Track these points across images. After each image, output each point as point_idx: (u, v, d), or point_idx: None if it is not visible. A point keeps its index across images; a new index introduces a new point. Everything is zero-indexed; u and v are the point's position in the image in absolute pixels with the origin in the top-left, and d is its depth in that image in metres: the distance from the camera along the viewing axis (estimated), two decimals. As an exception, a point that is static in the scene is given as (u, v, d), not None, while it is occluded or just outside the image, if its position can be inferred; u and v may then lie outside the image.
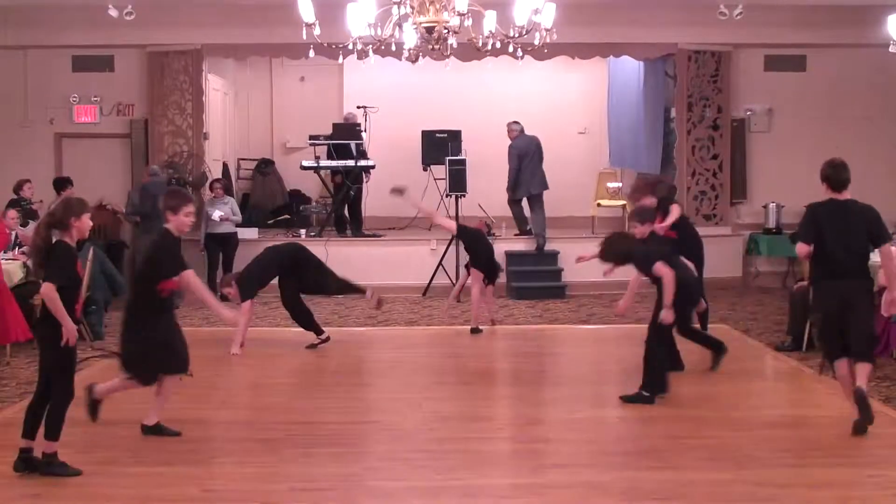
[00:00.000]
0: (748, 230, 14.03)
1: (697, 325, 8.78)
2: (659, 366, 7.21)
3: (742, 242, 13.93)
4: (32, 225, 9.96)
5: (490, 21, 8.74)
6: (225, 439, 6.49)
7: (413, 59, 9.91)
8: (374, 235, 13.88)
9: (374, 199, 14.53)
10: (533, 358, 9.38)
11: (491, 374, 8.73)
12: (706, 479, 5.55)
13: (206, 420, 6.85)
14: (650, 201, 8.52)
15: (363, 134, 14.34)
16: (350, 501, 5.35)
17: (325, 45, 8.76)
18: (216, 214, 12.61)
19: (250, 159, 16.27)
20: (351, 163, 13.80)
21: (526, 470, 5.85)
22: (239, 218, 12.99)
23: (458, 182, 13.57)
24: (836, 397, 6.99)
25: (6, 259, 9.51)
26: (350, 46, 8.95)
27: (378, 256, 13.20)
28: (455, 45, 8.70)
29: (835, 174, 6.40)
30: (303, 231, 13.92)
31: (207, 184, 13.39)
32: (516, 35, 8.63)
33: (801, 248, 6.51)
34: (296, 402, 7.57)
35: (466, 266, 10.46)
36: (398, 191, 9.88)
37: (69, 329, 5.46)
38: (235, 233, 12.78)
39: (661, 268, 7.12)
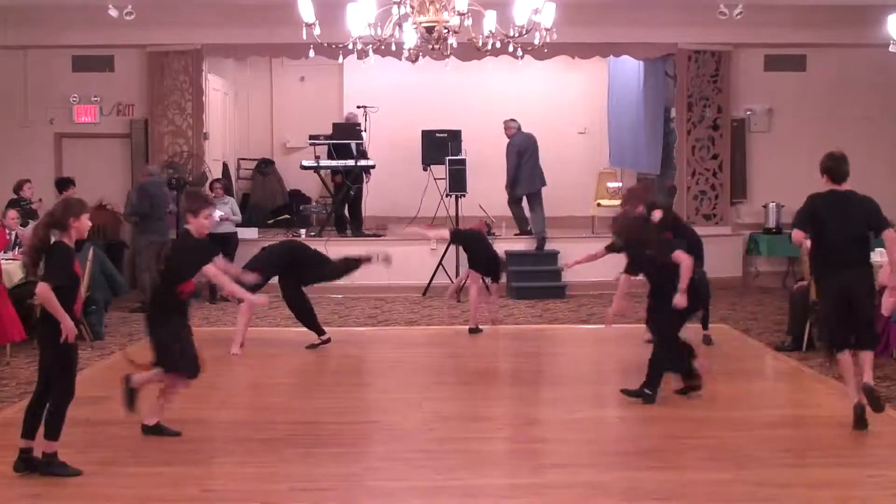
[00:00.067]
0: (748, 230, 14.03)
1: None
2: (660, 364, 7.22)
3: (742, 242, 13.93)
4: (32, 225, 9.96)
5: (490, 21, 8.74)
6: (225, 439, 6.48)
7: (413, 59, 9.91)
8: (374, 235, 13.88)
9: (374, 199, 14.56)
10: (533, 358, 9.39)
11: (491, 374, 8.73)
12: (706, 479, 5.55)
13: (206, 420, 6.85)
14: (640, 210, 8.49)
15: (363, 134, 14.34)
16: (350, 501, 5.35)
17: (325, 45, 8.76)
18: (216, 214, 12.57)
19: (250, 159, 16.27)
20: (351, 163, 13.80)
21: (526, 470, 5.86)
22: (239, 218, 12.99)
23: (458, 182, 13.59)
24: (836, 397, 7.00)
25: (6, 259, 9.50)
26: (350, 46, 8.95)
27: (378, 256, 13.17)
28: (455, 45, 8.69)
29: (836, 166, 6.53)
30: (303, 231, 13.91)
31: (207, 184, 13.38)
32: (516, 35, 8.63)
33: (797, 235, 6.66)
34: (296, 402, 7.57)
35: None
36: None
37: (68, 326, 5.46)
38: (235, 233, 12.77)
39: (680, 254, 7.14)
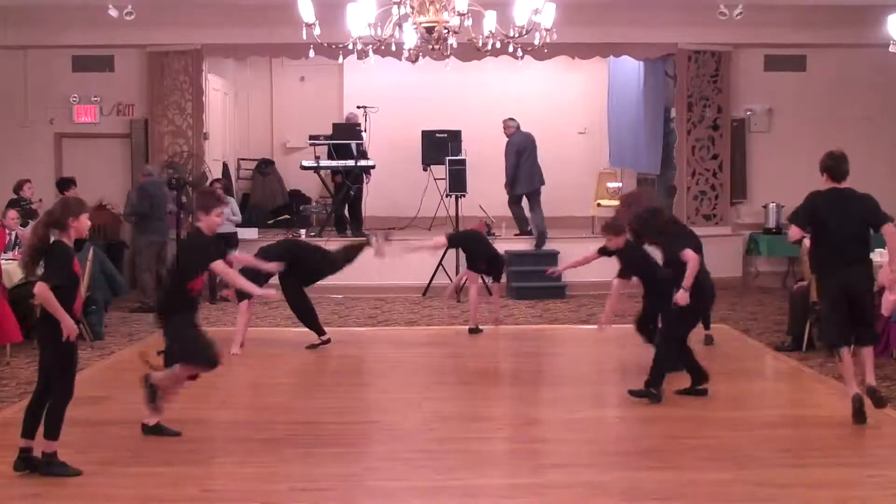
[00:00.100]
0: (748, 230, 14.03)
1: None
2: (662, 364, 7.23)
3: (742, 242, 13.93)
4: (32, 225, 9.95)
5: (490, 21, 8.73)
6: (225, 439, 6.48)
7: (413, 59, 9.91)
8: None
9: (374, 200, 14.56)
10: (533, 358, 9.39)
11: (491, 374, 8.73)
12: (706, 479, 5.55)
13: (206, 420, 6.85)
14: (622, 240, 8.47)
15: (363, 134, 14.34)
16: (350, 501, 5.35)
17: (325, 45, 8.75)
18: (216, 214, 12.58)
19: (250, 159, 16.27)
20: (351, 163, 13.79)
21: (526, 470, 5.85)
22: (239, 218, 12.99)
23: (458, 182, 13.60)
24: (836, 397, 6.99)
25: (6, 259, 9.50)
26: (350, 46, 8.95)
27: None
28: (455, 45, 8.69)
29: (835, 165, 6.62)
30: (303, 231, 13.92)
31: (207, 184, 13.37)
32: (516, 35, 8.63)
33: (795, 232, 6.77)
34: (296, 402, 7.57)
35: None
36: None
37: (68, 325, 5.46)
38: (235, 233, 12.76)
39: (689, 253, 7.15)
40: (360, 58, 9.21)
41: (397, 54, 9.97)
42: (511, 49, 9.32)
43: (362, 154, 14.12)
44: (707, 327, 9.27)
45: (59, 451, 5.59)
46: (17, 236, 10.36)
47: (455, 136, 14.35)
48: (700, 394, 7.34)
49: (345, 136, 14.07)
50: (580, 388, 7.94)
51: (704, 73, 13.81)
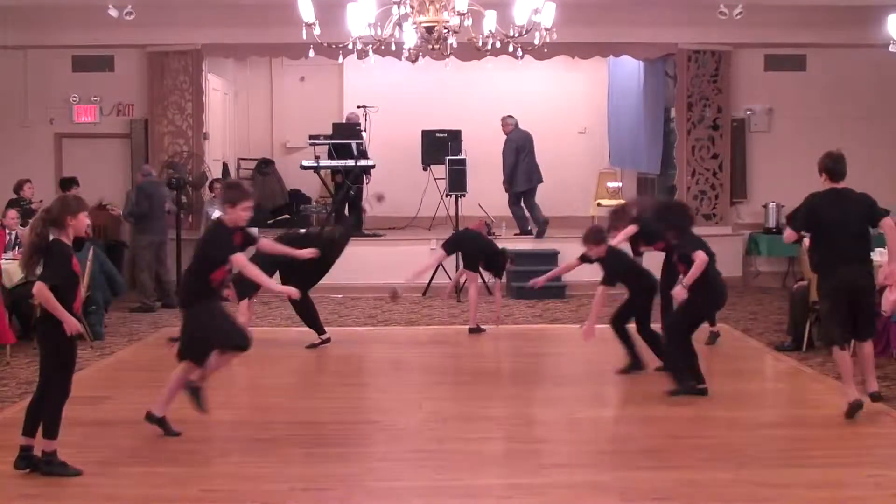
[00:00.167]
0: (748, 230, 14.03)
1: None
2: (675, 360, 7.32)
3: (742, 242, 13.93)
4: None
5: (490, 21, 8.73)
6: (225, 439, 6.48)
7: (413, 59, 9.91)
8: (374, 235, 13.88)
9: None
10: (533, 358, 9.39)
11: (491, 374, 8.73)
12: (706, 479, 5.55)
13: (206, 420, 6.82)
14: (632, 228, 8.48)
15: (363, 134, 14.34)
16: (350, 501, 5.35)
17: (325, 45, 8.76)
18: (216, 214, 12.53)
19: (250, 159, 16.25)
20: (351, 163, 13.79)
21: (526, 470, 5.85)
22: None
23: (458, 182, 13.61)
24: (835, 397, 6.99)
25: (6, 259, 9.50)
26: (350, 46, 8.95)
27: (378, 256, 13.18)
28: (455, 45, 8.69)
29: (834, 165, 6.70)
30: (303, 231, 13.89)
31: (207, 184, 13.38)
32: (516, 35, 8.63)
33: (789, 234, 6.97)
34: (296, 402, 7.57)
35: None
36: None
37: (70, 323, 5.47)
38: (235, 233, 12.75)
39: (700, 254, 7.21)
40: (360, 58, 9.21)
41: (397, 54, 9.98)
42: (511, 49, 9.33)
43: (362, 154, 14.12)
44: (713, 324, 9.25)
45: (59, 451, 5.59)
46: (17, 236, 10.36)
47: (455, 136, 14.36)
48: (700, 393, 7.34)
49: (345, 136, 14.07)
50: (580, 388, 7.95)
51: (704, 73, 13.81)
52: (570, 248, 12.59)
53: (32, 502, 5.25)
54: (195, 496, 5.35)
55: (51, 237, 5.57)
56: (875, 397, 6.81)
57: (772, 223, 13.62)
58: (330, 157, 14.03)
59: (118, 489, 5.41)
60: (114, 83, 13.82)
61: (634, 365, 8.16)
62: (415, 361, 9.12)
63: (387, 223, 14.74)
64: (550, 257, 13.13)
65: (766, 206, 13.71)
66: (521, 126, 13.93)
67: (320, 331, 9.43)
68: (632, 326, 8.27)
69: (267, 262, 9.30)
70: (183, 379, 6.39)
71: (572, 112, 16.01)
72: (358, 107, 14.61)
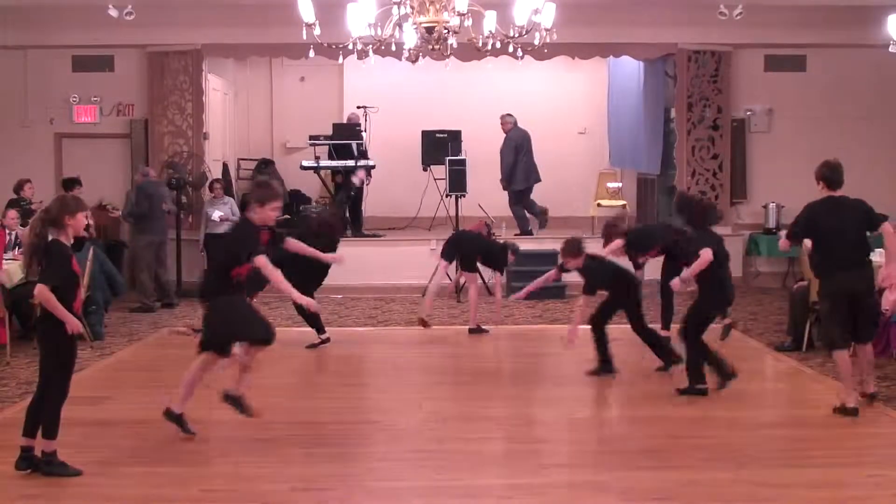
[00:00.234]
0: (748, 230, 14.03)
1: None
2: (693, 357, 7.36)
3: (742, 242, 13.92)
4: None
5: (490, 21, 8.73)
6: (225, 439, 6.47)
7: (413, 59, 9.91)
8: (374, 235, 13.88)
9: (374, 200, 14.57)
10: (533, 358, 9.39)
11: (491, 374, 8.72)
12: (706, 479, 5.55)
13: (206, 420, 6.83)
14: (617, 244, 8.51)
15: (363, 134, 14.34)
16: (350, 501, 5.36)
17: (325, 45, 8.75)
18: (216, 214, 12.61)
19: (250, 159, 16.25)
20: (351, 163, 13.79)
21: (526, 470, 5.85)
22: (238, 218, 12.96)
23: (458, 182, 13.62)
24: (835, 397, 6.99)
25: (6, 259, 9.50)
26: (350, 46, 8.95)
27: (378, 256, 13.19)
28: (455, 45, 8.69)
29: (832, 174, 6.81)
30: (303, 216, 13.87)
31: (207, 184, 13.38)
32: (516, 35, 8.63)
33: (784, 244, 7.17)
34: (296, 402, 7.57)
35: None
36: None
37: (72, 323, 5.48)
38: (235, 233, 12.74)
39: (707, 252, 7.26)
40: (360, 58, 9.21)
41: (397, 54, 9.98)
42: (511, 49, 9.33)
43: (362, 154, 14.12)
44: (725, 316, 9.21)
45: (59, 451, 5.59)
46: (17, 236, 10.36)
47: (455, 136, 14.37)
48: (700, 393, 7.34)
49: (345, 136, 14.07)
50: (580, 388, 7.95)
51: (704, 73, 13.81)
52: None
53: (33, 502, 5.25)
54: (195, 496, 5.35)
55: (50, 237, 5.57)
56: (872, 398, 6.96)
57: (772, 223, 13.62)
58: (330, 157, 14.03)
59: (118, 489, 5.41)
60: (114, 83, 13.83)
61: (605, 368, 8.17)
62: (415, 361, 9.12)
63: (387, 223, 14.76)
64: (551, 257, 13.06)
65: (766, 207, 13.71)
66: (522, 126, 13.95)
67: (320, 330, 9.43)
68: (631, 328, 8.27)
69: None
70: (201, 372, 6.36)
71: (572, 112, 16.02)
72: (358, 107, 14.62)
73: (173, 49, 13.54)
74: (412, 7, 8.27)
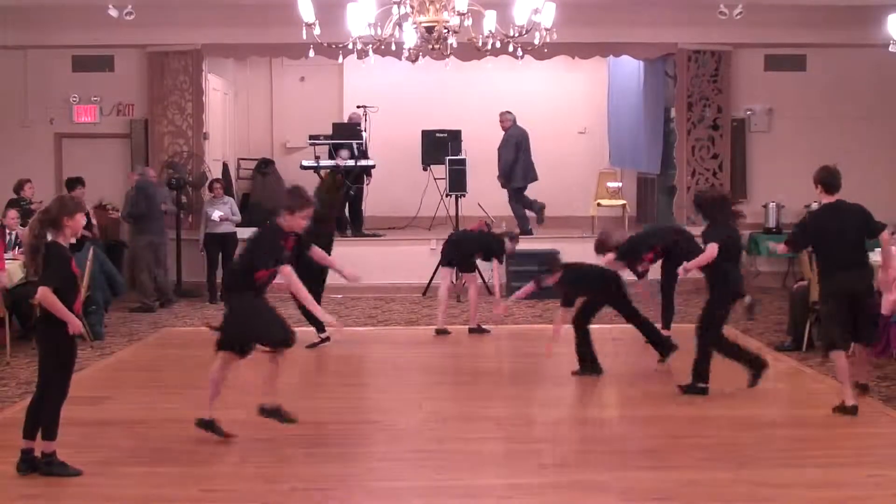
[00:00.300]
0: (748, 230, 13.99)
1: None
2: (701, 357, 7.38)
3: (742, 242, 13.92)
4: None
5: (490, 21, 8.73)
6: (225, 439, 6.47)
7: (413, 59, 9.91)
8: (374, 235, 13.88)
9: (374, 199, 14.56)
10: (533, 358, 9.37)
11: (491, 374, 8.73)
12: (706, 479, 5.55)
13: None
14: (609, 257, 8.55)
15: (363, 134, 14.34)
16: (350, 501, 5.36)
17: (325, 45, 8.75)
18: (216, 214, 12.60)
19: (250, 159, 16.26)
20: (351, 163, 13.79)
21: (526, 470, 5.85)
22: (238, 218, 12.97)
23: (458, 182, 13.62)
24: (835, 397, 6.99)
25: (6, 259, 9.50)
26: (350, 46, 8.94)
27: (378, 256, 13.18)
28: (455, 45, 8.68)
29: (831, 179, 6.94)
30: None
31: (207, 184, 13.38)
32: (516, 35, 8.63)
33: (782, 248, 7.34)
34: (296, 402, 7.52)
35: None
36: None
37: (74, 323, 5.49)
38: (235, 233, 12.75)
39: (713, 247, 7.33)
40: (360, 58, 9.20)
41: (397, 54, 9.97)
42: (511, 49, 9.32)
43: (363, 154, 14.12)
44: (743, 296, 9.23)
45: (59, 451, 5.59)
46: (17, 236, 10.37)
47: (455, 136, 14.37)
48: (700, 392, 7.35)
49: (345, 136, 14.07)
50: (580, 388, 7.95)
51: (704, 73, 13.81)
52: (570, 248, 12.61)
53: (33, 502, 5.25)
54: (195, 496, 5.35)
55: (49, 238, 5.56)
56: (865, 389, 7.15)
57: (772, 223, 13.61)
58: (330, 157, 14.03)
59: (118, 489, 5.41)
60: (114, 83, 13.82)
61: (592, 368, 8.20)
62: (415, 361, 9.12)
63: (387, 223, 14.75)
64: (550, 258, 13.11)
65: (766, 206, 13.70)
66: (521, 125, 13.95)
67: (320, 329, 9.42)
68: (629, 327, 8.27)
69: None
70: (223, 371, 6.34)
71: (572, 112, 16.02)
72: (358, 107, 14.61)
73: (173, 49, 13.53)
74: (412, 7, 8.27)
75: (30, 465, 5.57)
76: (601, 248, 8.62)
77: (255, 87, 16.53)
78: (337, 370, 8.89)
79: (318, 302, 9.10)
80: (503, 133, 13.97)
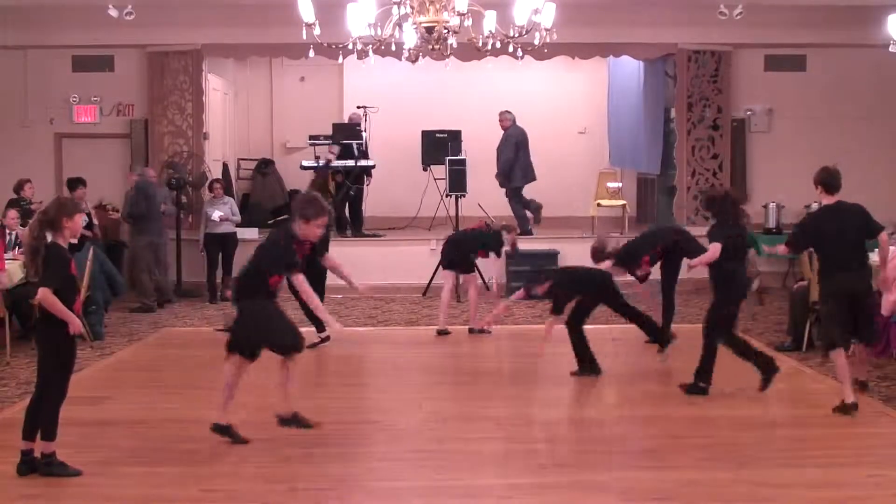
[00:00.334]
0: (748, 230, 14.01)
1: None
2: (706, 357, 7.39)
3: (742, 242, 13.91)
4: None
5: (490, 21, 8.73)
6: (225, 439, 6.47)
7: (413, 59, 9.91)
8: (374, 235, 13.88)
9: (374, 200, 14.56)
10: (533, 358, 9.35)
11: (491, 374, 8.72)
12: (706, 479, 5.55)
13: (206, 420, 6.81)
14: (607, 264, 8.56)
15: (363, 134, 14.34)
16: (350, 501, 5.36)
17: (325, 45, 8.75)
18: (216, 215, 12.60)
19: (250, 159, 16.27)
20: (351, 163, 13.79)
21: (526, 470, 5.85)
22: (238, 218, 12.98)
23: (458, 182, 13.62)
24: (835, 397, 6.99)
25: (6, 259, 9.50)
26: (350, 46, 8.94)
27: (378, 256, 13.19)
28: (455, 45, 8.69)
29: (831, 180, 6.99)
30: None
31: (207, 184, 13.39)
32: (516, 35, 8.63)
33: (782, 250, 7.37)
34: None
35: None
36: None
37: (74, 323, 5.49)
38: (235, 233, 12.77)
39: (716, 246, 7.37)
40: (360, 58, 9.21)
41: (397, 54, 9.97)
42: (511, 49, 9.32)
43: (363, 154, 14.12)
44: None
45: (59, 451, 5.59)
46: (17, 236, 10.37)
47: (455, 136, 14.37)
48: (701, 392, 7.36)
49: (345, 137, 14.07)
50: (580, 388, 7.95)
51: (704, 73, 13.81)
52: (570, 248, 12.65)
53: (33, 502, 5.25)
54: (195, 496, 5.35)
55: (48, 239, 5.56)
56: (864, 386, 7.26)
57: (772, 223, 13.61)
58: (330, 157, 14.03)
59: (118, 489, 5.41)
60: (114, 83, 13.82)
61: (590, 369, 8.19)
62: (415, 361, 9.12)
63: (387, 223, 14.76)
64: (551, 257, 13.14)
65: (766, 207, 13.69)
66: (523, 126, 13.95)
67: (320, 328, 9.42)
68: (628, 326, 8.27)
69: None
70: (236, 377, 6.31)
71: (572, 112, 16.02)
72: (358, 107, 14.61)
73: (173, 49, 13.53)
74: (412, 7, 8.27)
75: (29, 465, 5.57)
76: (598, 256, 8.62)
77: (255, 87, 16.53)
78: (337, 370, 8.89)
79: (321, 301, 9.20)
80: (502, 132, 13.98)
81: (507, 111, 13.96)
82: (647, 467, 5.79)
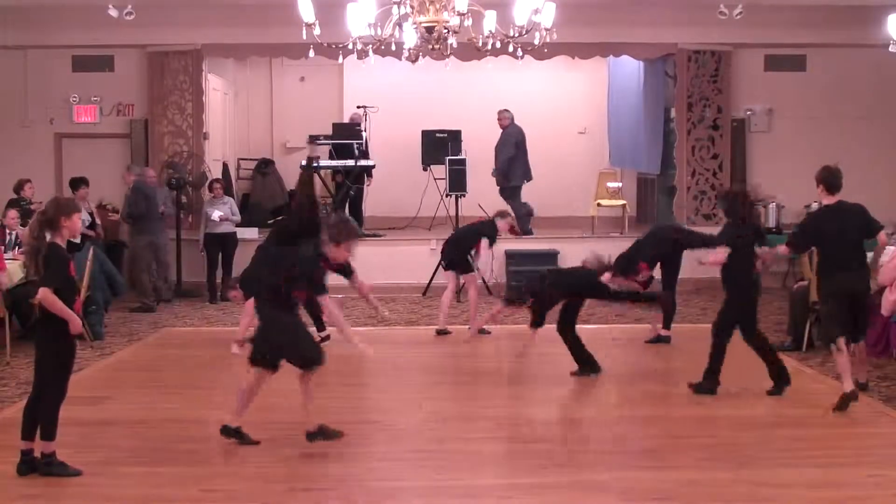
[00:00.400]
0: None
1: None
2: (715, 356, 7.43)
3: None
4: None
5: (490, 21, 8.73)
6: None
7: (413, 59, 9.91)
8: (374, 235, 13.88)
9: (374, 199, 14.57)
10: (532, 358, 9.36)
11: (491, 374, 8.72)
12: (706, 479, 5.55)
13: (206, 420, 6.83)
14: (606, 277, 8.56)
15: (363, 134, 14.34)
16: (350, 501, 5.36)
17: (325, 45, 8.75)
18: (216, 215, 12.60)
19: (250, 159, 16.27)
20: (351, 163, 13.79)
21: (526, 470, 5.84)
22: (238, 218, 12.98)
23: (458, 182, 13.63)
24: (835, 397, 6.99)
25: (6, 259, 9.51)
26: (350, 46, 8.94)
27: (378, 256, 13.17)
28: (455, 45, 8.69)
29: (833, 179, 7.02)
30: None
31: (207, 184, 13.39)
32: (516, 35, 8.63)
33: (784, 250, 7.40)
34: (296, 402, 7.53)
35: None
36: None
37: (75, 323, 5.49)
38: (235, 233, 12.77)
39: (723, 251, 7.44)
40: (360, 58, 9.21)
41: (397, 54, 9.97)
42: (511, 49, 9.32)
43: (363, 154, 14.12)
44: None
45: (59, 451, 5.59)
46: (17, 236, 10.37)
47: (455, 136, 14.37)
48: (709, 392, 7.38)
49: (345, 136, 14.07)
50: (580, 388, 7.95)
51: (704, 73, 13.81)
52: (570, 248, 12.64)
53: (33, 502, 5.25)
54: (195, 496, 5.35)
55: (48, 239, 5.56)
56: (864, 387, 7.32)
57: (772, 223, 13.60)
58: (330, 157, 14.04)
59: (118, 489, 5.41)
60: (114, 83, 13.83)
61: (590, 369, 8.19)
62: (415, 361, 9.12)
63: (387, 223, 14.76)
64: (551, 257, 13.14)
65: (766, 206, 13.69)
66: (524, 126, 13.95)
67: (321, 328, 9.42)
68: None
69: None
70: (257, 386, 6.27)
71: (572, 112, 16.03)
72: (358, 107, 14.62)
73: (173, 49, 13.53)
74: (412, 7, 8.27)
75: (29, 465, 5.57)
76: (599, 271, 8.60)
77: (255, 87, 16.53)
78: (337, 370, 8.85)
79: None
80: (501, 131, 13.98)
81: (505, 110, 13.97)
82: (647, 467, 5.79)
